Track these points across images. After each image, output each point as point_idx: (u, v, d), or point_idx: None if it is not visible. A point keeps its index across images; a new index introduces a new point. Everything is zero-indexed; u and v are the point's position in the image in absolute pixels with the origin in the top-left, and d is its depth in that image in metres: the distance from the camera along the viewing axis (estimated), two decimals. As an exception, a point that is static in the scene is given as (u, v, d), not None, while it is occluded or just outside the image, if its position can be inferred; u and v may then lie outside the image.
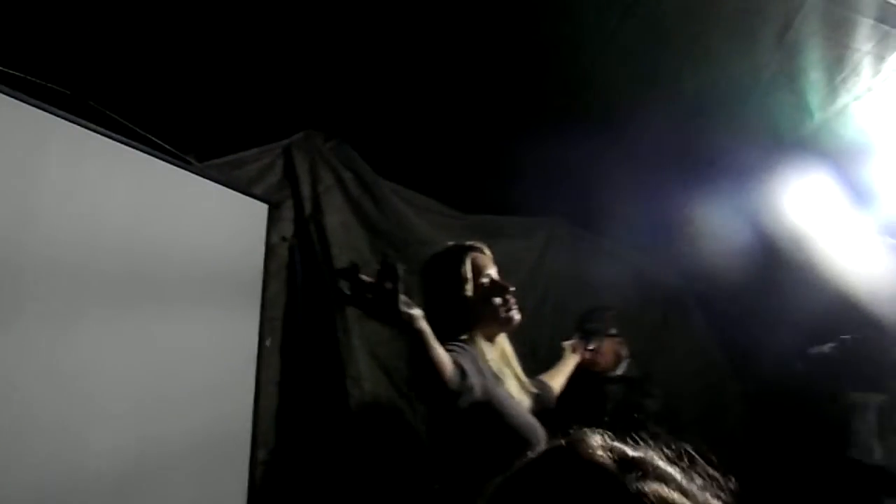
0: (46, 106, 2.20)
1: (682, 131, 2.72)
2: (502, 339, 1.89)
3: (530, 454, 0.71)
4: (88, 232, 2.31)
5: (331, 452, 2.94)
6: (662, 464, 0.67)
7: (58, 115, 2.23)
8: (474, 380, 1.54)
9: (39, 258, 2.16)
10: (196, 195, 2.72)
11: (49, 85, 2.33)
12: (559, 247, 3.78)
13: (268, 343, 2.94)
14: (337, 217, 3.24)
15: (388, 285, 1.32)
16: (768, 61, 2.56)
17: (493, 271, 1.86)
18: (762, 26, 2.46)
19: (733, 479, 0.71)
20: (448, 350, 1.50)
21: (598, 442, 0.68)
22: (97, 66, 2.54)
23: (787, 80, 2.60)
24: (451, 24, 2.59)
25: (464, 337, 1.72)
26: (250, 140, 3.09)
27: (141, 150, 2.49)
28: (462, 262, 1.82)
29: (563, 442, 0.70)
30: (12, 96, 2.10)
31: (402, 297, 1.33)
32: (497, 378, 1.73)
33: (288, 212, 3.18)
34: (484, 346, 1.77)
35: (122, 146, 2.43)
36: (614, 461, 0.66)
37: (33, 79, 2.27)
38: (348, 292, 1.31)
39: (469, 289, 1.80)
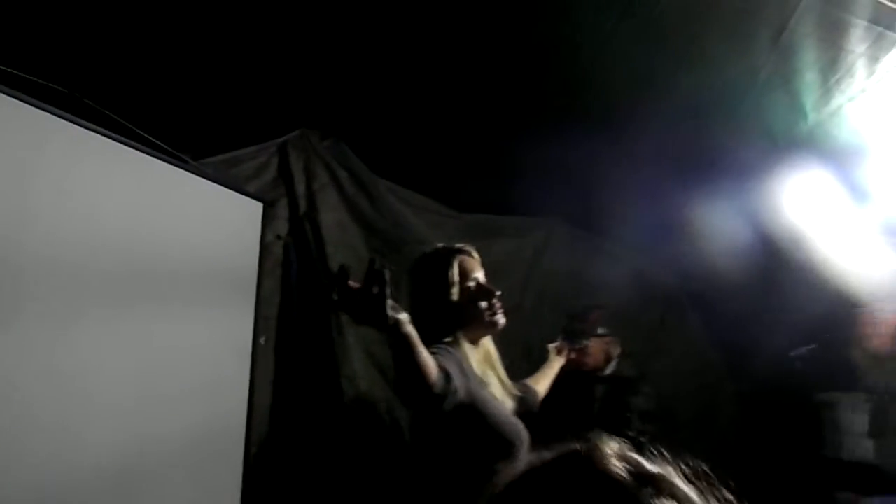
0: (43, 104, 2.19)
1: (679, 131, 2.73)
2: (487, 342, 1.89)
3: (545, 456, 0.69)
4: (84, 231, 2.30)
5: (325, 450, 2.94)
6: (679, 482, 0.65)
7: (54, 114, 2.22)
8: (458, 382, 1.55)
9: (35, 257, 2.15)
10: (191, 193, 2.71)
11: (45, 83, 2.32)
12: (557, 246, 3.78)
13: (262, 341, 2.94)
14: (332, 215, 3.24)
15: (376, 290, 1.31)
16: (764, 62, 2.57)
17: (480, 275, 1.86)
18: (758, 28, 2.47)
19: None
20: (432, 353, 1.51)
21: (614, 451, 0.67)
22: (93, 64, 2.53)
23: (782, 81, 2.62)
24: (449, 22, 2.59)
25: (448, 339, 1.73)
26: (246, 138, 3.08)
27: (136, 149, 2.49)
28: (449, 266, 1.83)
29: (578, 447, 0.68)
30: (9, 95, 2.09)
31: (390, 302, 1.33)
32: (481, 380, 1.74)
33: (283, 210, 3.18)
34: (468, 348, 1.78)
35: (118, 144, 2.42)
36: (630, 474, 0.64)
37: (30, 77, 2.26)
38: (336, 297, 1.31)
39: (455, 292, 1.80)
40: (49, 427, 2.13)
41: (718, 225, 2.96)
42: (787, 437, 2.78)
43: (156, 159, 2.57)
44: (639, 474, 0.64)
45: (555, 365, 2.38)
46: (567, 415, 2.90)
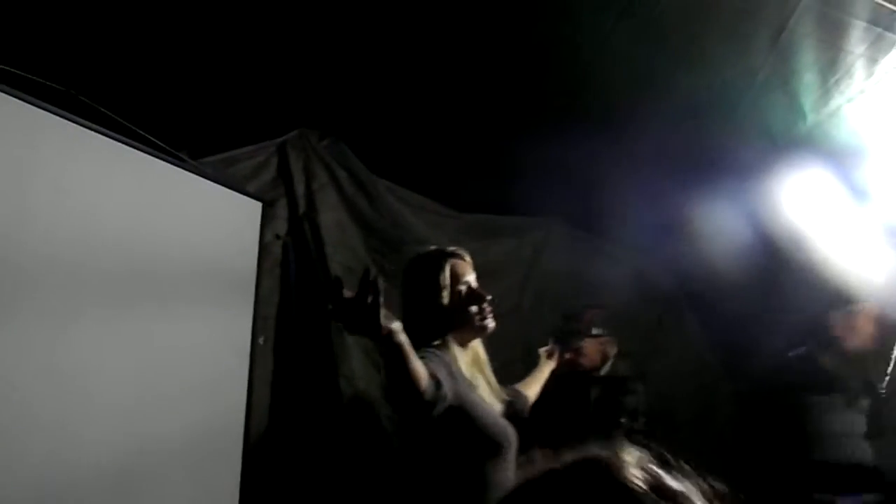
0: (40, 102, 2.19)
1: (678, 131, 2.73)
2: (476, 344, 1.90)
3: (563, 460, 0.68)
4: (82, 230, 2.30)
5: (323, 449, 2.94)
6: (698, 502, 0.64)
7: (51, 112, 2.22)
8: (447, 386, 1.56)
9: (32, 256, 2.15)
10: (190, 192, 2.71)
11: (43, 81, 2.31)
12: (555, 247, 3.78)
13: (261, 341, 2.94)
14: (331, 215, 3.24)
15: (369, 300, 1.32)
16: (763, 63, 2.57)
17: (471, 278, 1.87)
18: (757, 28, 2.47)
19: None
20: (421, 357, 1.52)
21: (634, 461, 0.65)
22: (91, 62, 2.53)
23: (781, 82, 2.62)
24: (448, 22, 2.58)
25: (437, 342, 1.74)
26: (244, 137, 3.08)
27: (135, 147, 2.49)
28: (441, 269, 1.83)
29: (598, 455, 0.67)
30: (6, 93, 2.09)
31: (383, 311, 1.34)
32: (469, 383, 1.75)
33: (282, 210, 3.18)
34: (457, 350, 1.79)
35: (116, 143, 2.42)
36: (650, 486, 0.62)
37: (27, 75, 2.25)
38: (331, 307, 1.32)
39: (446, 296, 1.81)
40: (48, 426, 2.13)
41: (717, 225, 2.96)
42: (784, 439, 2.78)
43: (154, 158, 2.56)
44: (658, 487, 0.63)
45: (545, 369, 2.39)
46: (563, 415, 2.90)
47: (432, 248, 1.90)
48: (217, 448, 2.69)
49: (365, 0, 2.53)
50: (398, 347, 1.40)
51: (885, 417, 2.41)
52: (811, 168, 2.75)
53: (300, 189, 3.20)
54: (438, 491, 1.66)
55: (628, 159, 2.79)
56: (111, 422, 2.30)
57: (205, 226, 2.75)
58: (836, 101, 2.68)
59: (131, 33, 2.53)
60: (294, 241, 3.17)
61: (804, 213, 2.79)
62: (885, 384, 2.52)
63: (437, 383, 1.51)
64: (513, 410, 1.94)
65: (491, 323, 1.84)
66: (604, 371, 2.94)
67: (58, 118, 2.23)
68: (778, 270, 2.81)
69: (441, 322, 1.79)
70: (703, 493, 0.66)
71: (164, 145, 2.64)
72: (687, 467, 0.68)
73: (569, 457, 0.69)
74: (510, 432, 1.74)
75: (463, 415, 1.64)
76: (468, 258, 1.90)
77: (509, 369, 2.52)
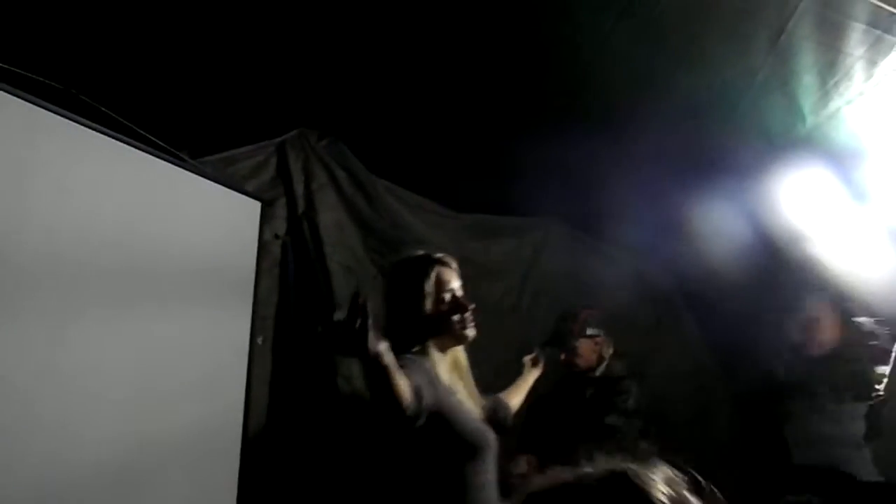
0: (39, 101, 2.19)
1: (678, 132, 2.74)
2: (457, 349, 1.90)
3: (588, 472, 0.66)
4: (81, 229, 2.30)
5: (321, 449, 2.94)
6: None
7: (52, 112, 2.22)
8: (427, 395, 1.58)
9: (31, 255, 2.15)
10: (189, 192, 2.71)
11: (43, 80, 2.31)
12: (555, 247, 3.79)
13: (260, 341, 2.94)
14: (330, 215, 3.24)
15: (358, 323, 1.32)
16: (762, 64, 2.57)
17: (456, 286, 1.87)
18: (756, 29, 2.48)
19: None
20: (401, 365, 1.53)
21: (662, 477, 0.65)
22: (90, 61, 2.53)
23: (780, 83, 2.62)
24: (448, 22, 2.58)
25: (416, 348, 1.76)
26: (244, 137, 3.08)
27: (134, 147, 2.49)
28: (426, 276, 1.83)
29: (624, 468, 0.66)
30: (6, 91, 2.09)
31: (371, 334, 1.35)
32: (448, 388, 1.77)
33: (281, 209, 3.18)
34: (436, 356, 1.80)
35: (116, 142, 2.42)
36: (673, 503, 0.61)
37: (26, 74, 2.25)
38: (320, 330, 1.35)
39: (429, 303, 1.81)
40: (47, 425, 2.13)
41: (716, 226, 2.96)
42: (767, 441, 2.78)
43: (154, 157, 2.57)
44: None
45: (529, 378, 2.39)
46: (558, 416, 2.90)
47: (420, 252, 1.90)
48: (215, 447, 2.69)
49: (365, 1, 2.53)
50: (384, 369, 1.42)
51: (883, 419, 2.41)
52: (810, 169, 2.76)
53: (299, 189, 3.20)
54: (421, 492, 1.68)
55: (628, 159, 2.79)
56: (111, 421, 2.30)
57: (204, 225, 2.75)
58: (836, 102, 2.68)
59: (131, 33, 2.53)
60: (293, 241, 3.17)
61: (803, 213, 2.80)
62: (883, 385, 2.51)
63: (418, 397, 1.53)
64: (495, 418, 1.93)
65: (472, 331, 1.85)
66: (599, 371, 2.93)
67: (58, 117, 2.24)
68: (777, 271, 2.81)
69: (422, 328, 1.79)
70: None
71: (163, 144, 2.64)
72: (718, 494, 0.68)
73: (595, 469, 0.68)
74: (490, 436, 1.76)
75: (442, 419, 1.66)
76: (455, 265, 1.90)
77: (508, 369, 2.53)
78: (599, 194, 2.91)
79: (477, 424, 1.76)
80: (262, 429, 2.90)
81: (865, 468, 2.44)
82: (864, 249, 2.66)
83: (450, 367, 1.84)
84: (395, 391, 1.45)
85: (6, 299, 2.07)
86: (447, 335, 1.82)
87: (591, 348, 2.93)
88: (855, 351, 2.50)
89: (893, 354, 2.45)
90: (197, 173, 2.75)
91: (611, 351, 2.97)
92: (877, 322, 2.50)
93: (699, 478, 0.68)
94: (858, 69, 2.56)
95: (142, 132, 2.57)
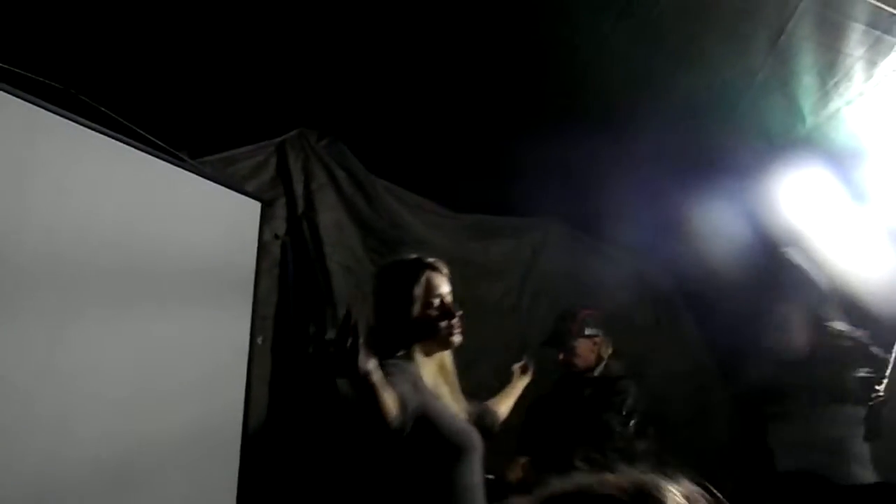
0: (39, 101, 2.20)
1: (677, 132, 2.73)
2: (444, 353, 1.90)
3: (607, 478, 0.66)
4: (81, 229, 2.30)
5: (321, 449, 2.93)
6: None
7: (50, 111, 2.22)
8: (411, 400, 1.59)
9: (31, 255, 2.15)
10: (189, 192, 2.71)
11: (42, 80, 2.31)
12: (554, 247, 3.79)
13: (259, 341, 2.94)
14: (330, 215, 3.24)
15: (349, 342, 1.33)
16: (762, 64, 2.57)
17: (446, 291, 1.87)
18: (756, 30, 2.47)
19: None
20: (387, 373, 1.54)
21: (682, 491, 0.64)
22: (90, 61, 2.53)
23: (779, 84, 2.61)
24: (447, 23, 2.59)
25: (401, 352, 1.76)
26: (244, 137, 3.09)
27: (134, 147, 2.49)
28: (415, 281, 1.83)
29: (645, 480, 0.65)
30: (6, 91, 2.09)
31: (361, 353, 1.36)
32: (433, 393, 1.77)
33: (281, 209, 3.18)
34: (421, 360, 1.80)
35: (115, 142, 2.42)
36: None
37: (26, 73, 2.25)
38: (311, 350, 1.36)
39: (417, 308, 1.81)
40: (47, 424, 2.14)
41: (716, 226, 2.95)
42: (756, 445, 2.77)
43: (154, 157, 2.57)
44: None
45: (518, 385, 2.38)
46: (556, 417, 2.90)
47: (412, 256, 1.90)
48: (215, 447, 2.69)
49: (364, 0, 2.54)
50: (372, 387, 1.43)
51: (882, 419, 2.40)
52: (810, 169, 2.75)
53: (299, 189, 3.20)
54: (408, 494, 1.69)
55: (627, 159, 2.79)
56: (111, 421, 2.31)
57: (204, 225, 2.76)
58: (835, 103, 2.68)
59: (131, 33, 2.53)
60: (292, 241, 3.17)
61: (803, 214, 2.79)
62: (883, 386, 2.50)
63: (403, 409, 1.54)
64: (481, 425, 1.94)
65: (458, 338, 1.85)
66: (598, 371, 2.93)
67: (58, 117, 2.24)
68: (776, 271, 2.80)
69: (409, 332, 1.80)
70: None
71: (163, 145, 2.64)
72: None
73: (617, 477, 0.67)
74: (475, 437, 1.76)
75: (427, 423, 1.66)
76: (446, 270, 1.89)
77: (508, 370, 2.53)
78: (599, 194, 2.91)
79: (462, 427, 1.77)
80: (261, 428, 2.90)
81: (844, 472, 2.42)
82: (864, 250, 2.65)
83: (436, 371, 1.84)
84: (382, 408, 1.46)
85: (6, 299, 2.07)
86: (433, 340, 1.82)
87: (590, 348, 2.92)
88: (830, 353, 2.49)
89: (894, 356, 2.44)
90: (197, 173, 2.75)
91: (610, 351, 2.97)
92: (852, 325, 2.49)
93: (719, 496, 0.68)
94: (858, 70, 2.55)
95: (141, 132, 2.58)
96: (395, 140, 3.16)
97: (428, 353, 1.82)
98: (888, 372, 2.45)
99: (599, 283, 3.24)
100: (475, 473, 1.73)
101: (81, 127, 2.31)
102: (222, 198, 2.85)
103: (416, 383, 1.69)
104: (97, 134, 2.36)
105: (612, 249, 3.63)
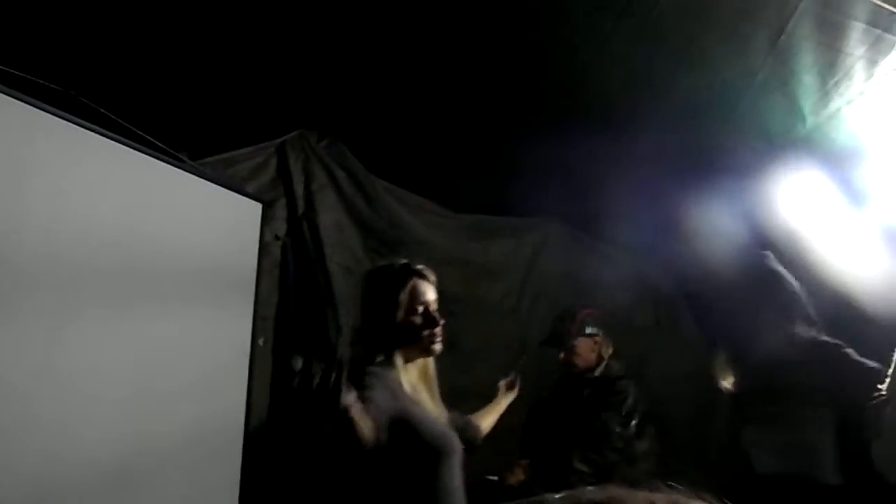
0: (38, 103, 2.20)
1: (677, 132, 2.73)
2: (428, 360, 1.91)
3: (640, 498, 0.67)
4: (82, 230, 2.31)
5: (322, 450, 2.94)
6: None
7: (50, 112, 2.23)
8: (389, 408, 1.61)
9: (32, 256, 2.16)
10: (189, 193, 2.72)
11: (41, 82, 2.32)
12: (554, 247, 3.79)
13: (261, 342, 2.94)
14: (330, 216, 3.24)
15: (332, 379, 1.34)
16: (762, 64, 2.57)
17: (431, 298, 1.88)
18: (756, 30, 2.47)
19: None
20: (365, 385, 1.57)
21: None
22: (90, 62, 2.53)
23: (779, 84, 2.61)
24: (447, 24, 2.59)
25: (381, 358, 1.77)
26: (244, 138, 3.09)
27: (134, 148, 2.50)
28: (401, 287, 1.84)
29: (675, 500, 0.64)
30: (6, 94, 2.10)
31: (343, 392, 1.38)
32: (412, 399, 1.79)
33: (281, 210, 3.19)
34: (401, 367, 1.81)
35: (115, 144, 2.43)
36: None
37: (25, 75, 2.26)
38: (295, 387, 1.38)
39: (401, 315, 1.82)
40: (47, 425, 2.14)
41: (716, 226, 2.95)
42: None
43: (154, 159, 2.57)
44: None
45: (503, 401, 2.38)
46: (557, 419, 2.90)
47: (402, 262, 1.91)
48: (217, 448, 2.70)
49: (364, 1, 2.54)
50: (350, 421, 1.45)
51: (883, 419, 2.39)
52: (810, 169, 2.75)
53: (299, 190, 3.21)
54: (391, 497, 1.71)
55: (627, 159, 2.79)
56: (112, 422, 2.31)
57: (204, 226, 2.76)
58: (836, 102, 2.67)
59: (131, 35, 2.54)
60: (293, 242, 3.17)
61: (801, 215, 2.78)
62: (885, 386, 2.50)
63: (378, 429, 1.55)
64: (463, 437, 1.94)
65: (439, 347, 1.86)
66: (598, 372, 2.93)
67: (58, 119, 2.25)
68: (756, 274, 2.79)
69: (391, 336, 1.81)
70: None
71: (163, 146, 2.64)
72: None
73: (651, 497, 0.67)
74: (454, 441, 1.78)
75: (407, 428, 1.68)
76: (432, 276, 1.91)
77: (508, 370, 2.53)
78: (599, 194, 2.90)
79: (441, 430, 1.78)
80: (262, 429, 2.91)
81: (820, 475, 2.41)
82: (864, 250, 2.65)
83: (417, 377, 1.85)
84: (359, 435, 1.49)
85: (8, 300, 2.08)
86: (414, 347, 1.83)
87: (591, 347, 2.92)
88: (803, 357, 2.48)
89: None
90: (197, 175, 2.76)
91: (610, 351, 2.96)
92: (834, 327, 2.48)
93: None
94: (859, 69, 2.54)
95: (142, 134, 2.58)
96: (394, 140, 3.17)
97: (409, 359, 1.83)
98: (890, 371, 2.44)
99: (599, 284, 3.24)
100: (455, 477, 1.75)
101: (81, 129, 2.32)
102: (223, 199, 2.85)
103: (395, 391, 1.71)
104: (97, 136, 2.37)
105: (612, 249, 3.62)
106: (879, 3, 2.32)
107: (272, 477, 2.87)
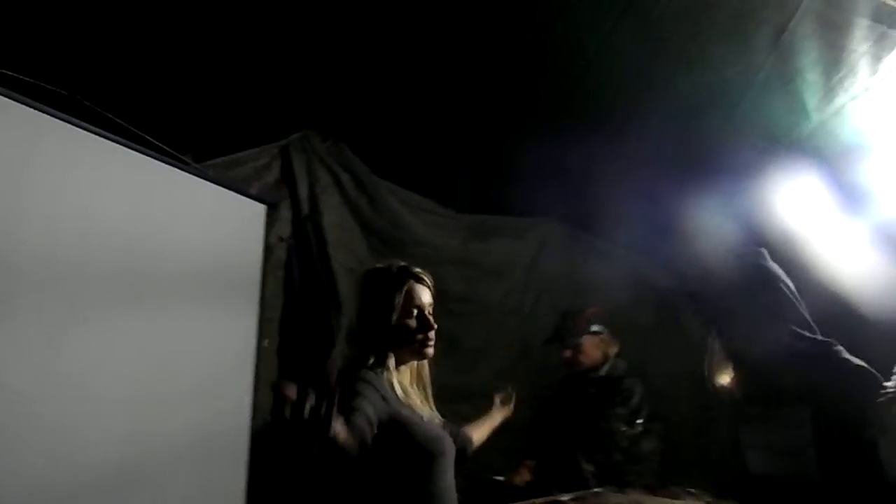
0: (42, 106, 2.22)
1: (678, 132, 2.72)
2: (422, 364, 1.91)
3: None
4: (86, 233, 2.33)
5: (326, 451, 2.94)
6: None
7: (54, 115, 2.25)
8: (378, 413, 1.62)
9: (36, 258, 2.18)
10: (193, 195, 2.73)
11: (45, 85, 2.34)
12: (554, 247, 3.78)
13: (266, 344, 2.95)
14: (334, 217, 3.26)
15: (324, 409, 1.34)
16: (764, 62, 2.56)
17: (426, 302, 1.88)
18: (758, 28, 2.46)
19: None
20: (356, 391, 1.58)
21: None
22: (93, 65, 2.55)
23: (783, 81, 2.59)
24: (448, 24, 2.59)
25: (372, 360, 1.77)
26: (248, 140, 3.10)
27: (137, 150, 2.51)
28: (398, 290, 1.84)
29: None
30: (7, 96, 2.12)
31: (333, 422, 1.37)
32: (403, 402, 1.78)
33: (285, 212, 3.20)
34: (393, 368, 1.81)
35: (119, 146, 2.45)
36: None
37: (28, 78, 2.28)
38: (286, 417, 1.36)
39: (395, 318, 1.82)
40: (51, 427, 2.15)
41: (716, 225, 2.93)
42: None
43: (158, 161, 2.59)
44: None
45: (497, 415, 2.37)
46: (562, 418, 2.90)
47: (400, 264, 1.91)
48: (222, 450, 2.70)
49: (366, 3, 2.54)
50: (339, 448, 1.44)
51: (886, 417, 2.37)
52: (814, 167, 2.73)
53: (303, 191, 3.22)
54: (384, 498, 1.72)
55: (627, 159, 2.78)
56: (115, 424, 2.32)
57: (209, 228, 2.77)
58: (841, 99, 2.65)
59: (135, 37, 2.56)
60: (297, 243, 3.18)
61: (805, 213, 2.77)
62: (892, 383, 2.48)
63: (363, 440, 1.56)
64: (453, 437, 1.95)
65: (431, 351, 1.86)
66: (604, 371, 2.92)
67: (62, 122, 2.26)
68: (751, 273, 2.77)
69: (385, 338, 1.81)
70: None
71: (167, 148, 2.66)
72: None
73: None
74: (446, 442, 1.78)
75: (399, 430, 1.69)
76: (429, 280, 1.91)
77: (508, 371, 2.53)
78: (599, 194, 2.90)
79: (433, 432, 1.78)
80: (268, 430, 2.91)
81: (811, 474, 2.39)
82: (865, 249, 2.63)
83: (409, 379, 1.86)
84: (345, 450, 1.48)
85: (11, 301, 2.10)
86: (406, 350, 1.83)
87: (596, 345, 2.92)
88: (795, 357, 2.46)
89: None
90: (201, 177, 2.77)
91: (616, 349, 2.96)
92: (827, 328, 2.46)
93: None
94: (863, 65, 2.52)
95: (146, 136, 2.60)
96: (396, 141, 3.17)
97: (401, 361, 1.83)
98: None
99: (600, 284, 3.23)
100: (447, 478, 1.75)
101: (85, 131, 2.34)
102: (227, 201, 2.87)
103: (386, 395, 1.71)
104: (101, 138, 2.39)
105: (613, 249, 3.61)
106: (883, -1, 2.30)
107: (278, 478, 2.88)
